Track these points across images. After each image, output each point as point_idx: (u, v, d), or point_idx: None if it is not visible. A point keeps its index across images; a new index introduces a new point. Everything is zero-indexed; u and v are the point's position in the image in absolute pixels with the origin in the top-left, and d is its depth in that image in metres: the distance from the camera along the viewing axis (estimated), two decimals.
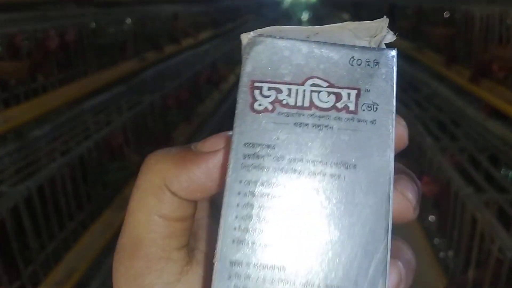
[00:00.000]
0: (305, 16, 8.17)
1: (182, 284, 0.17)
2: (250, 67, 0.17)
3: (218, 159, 0.17)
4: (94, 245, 1.31)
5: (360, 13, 3.57)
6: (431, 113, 1.51)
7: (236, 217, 0.15)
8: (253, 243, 0.15)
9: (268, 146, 0.16)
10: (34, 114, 1.55)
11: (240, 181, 0.16)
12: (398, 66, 0.17)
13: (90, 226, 1.38)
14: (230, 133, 0.17)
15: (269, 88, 0.17)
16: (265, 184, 0.16)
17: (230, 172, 0.16)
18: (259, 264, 0.15)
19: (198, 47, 3.32)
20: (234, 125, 0.16)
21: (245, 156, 0.16)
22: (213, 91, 2.93)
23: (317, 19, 7.41)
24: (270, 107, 0.16)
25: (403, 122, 0.17)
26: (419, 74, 1.87)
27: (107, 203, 1.48)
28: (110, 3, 2.53)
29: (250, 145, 0.16)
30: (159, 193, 0.17)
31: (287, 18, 7.57)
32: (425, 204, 1.21)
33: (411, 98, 1.68)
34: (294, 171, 0.16)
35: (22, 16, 1.72)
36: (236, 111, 0.16)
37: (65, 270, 1.20)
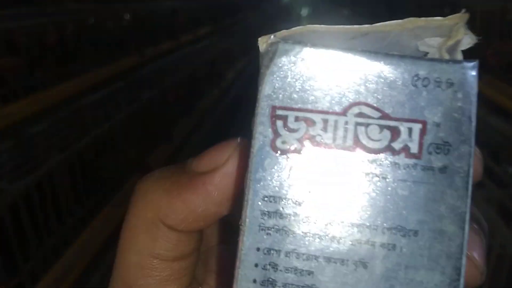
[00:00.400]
0: (304, 11, 8.15)
1: None
2: (270, 87, 0.12)
3: (219, 178, 0.14)
4: (94, 242, 1.31)
5: (359, 9, 3.56)
6: None
7: None
8: None
9: (296, 202, 0.12)
10: (32, 110, 1.55)
11: (258, 249, 0.12)
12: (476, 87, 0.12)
13: (89, 223, 1.38)
14: (230, 142, 0.14)
15: (297, 119, 0.12)
16: (291, 254, 0.12)
17: (244, 236, 0.12)
18: None
19: (197, 43, 3.31)
20: (249, 171, 0.12)
21: (264, 215, 0.12)
22: (213, 87, 2.92)
23: (317, 14, 7.39)
24: (298, 147, 0.12)
25: (478, 154, 0.13)
26: None
27: (106, 199, 1.47)
28: None
29: (271, 199, 0.12)
30: (152, 229, 0.14)
31: (288, 12, 7.54)
32: None
33: None
34: (332, 238, 0.12)
35: (19, 11, 1.71)
36: (252, 150, 0.12)
37: (64, 267, 1.20)
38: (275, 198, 0.12)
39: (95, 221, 1.41)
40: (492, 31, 1.38)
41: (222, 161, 0.14)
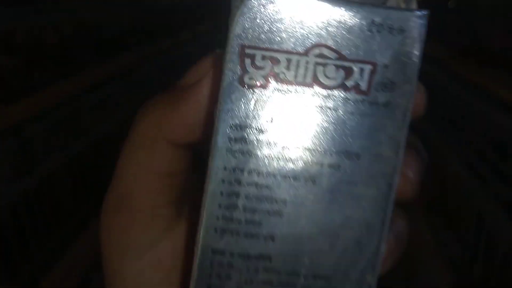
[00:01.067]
0: None
1: (167, 240, 0.17)
2: (240, 27, 0.13)
3: (205, 86, 0.15)
4: (94, 243, 1.30)
5: None
6: (437, 105, 1.50)
7: (220, 206, 0.14)
8: (237, 233, 0.14)
9: (259, 130, 0.14)
10: (31, 111, 1.54)
11: (225, 168, 0.14)
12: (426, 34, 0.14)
13: (89, 224, 1.38)
14: (209, 56, 0.15)
15: (264, 57, 0.14)
16: (253, 172, 0.14)
17: (213, 157, 0.14)
18: (244, 253, 0.14)
19: (196, 40, 3.29)
20: (219, 102, 0.14)
21: (231, 140, 0.14)
22: None
23: None
24: (263, 82, 0.14)
25: (422, 88, 0.15)
26: (424, 66, 1.85)
27: None
28: None
29: (238, 127, 0.14)
30: (152, 145, 0.16)
31: None
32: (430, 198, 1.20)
33: None
34: (288, 160, 0.14)
35: (16, 10, 1.70)
36: (222, 85, 0.14)
37: (65, 268, 1.20)
38: (241, 127, 0.14)
39: (96, 222, 1.40)
40: (498, 25, 1.36)
41: (206, 71, 0.15)
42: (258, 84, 0.14)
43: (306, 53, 0.14)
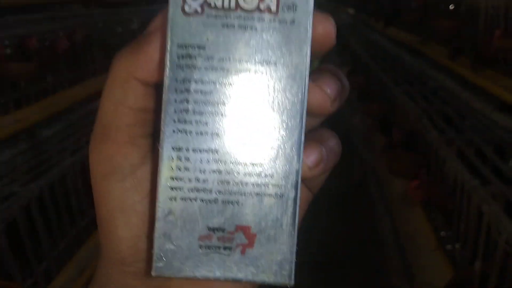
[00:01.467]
0: None
1: (145, 167, 0.20)
2: None
3: (163, 32, 0.18)
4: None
5: (366, 7, 3.56)
6: (437, 106, 1.51)
7: (175, 111, 0.18)
8: (190, 132, 0.18)
9: (199, 47, 0.18)
10: (44, 114, 1.58)
11: (176, 80, 0.18)
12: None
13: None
14: (162, 12, 0.19)
15: None
16: (198, 81, 0.18)
17: (167, 71, 0.18)
18: (196, 148, 0.18)
19: None
20: (167, 28, 0.18)
21: (179, 57, 0.18)
22: None
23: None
24: (199, 10, 0.18)
25: (331, 20, 0.18)
26: (425, 68, 1.86)
27: None
28: (117, 3, 2.56)
29: (183, 46, 0.18)
30: (124, 84, 0.19)
31: None
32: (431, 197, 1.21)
33: (417, 92, 1.68)
34: (223, 69, 0.18)
35: (30, 17, 1.75)
36: (168, 14, 0.18)
37: (77, 267, 1.23)
38: (185, 46, 0.18)
39: None
40: (496, 26, 1.38)
41: (161, 23, 0.18)
42: (196, 11, 0.18)
43: None
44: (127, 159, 0.19)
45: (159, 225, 0.18)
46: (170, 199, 0.18)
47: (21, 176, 1.24)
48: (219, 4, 0.18)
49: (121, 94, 0.19)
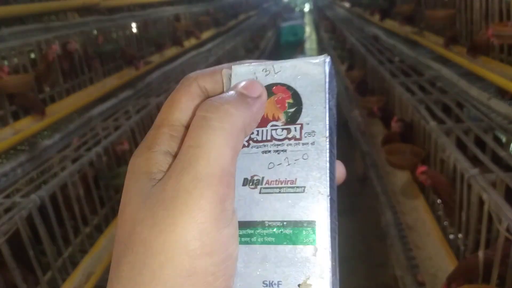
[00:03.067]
0: (306, 6, 8.08)
1: (236, 216, 0.22)
2: None
3: (264, 99, 0.24)
4: (110, 248, 1.34)
5: (361, 0, 3.55)
6: (435, 96, 1.51)
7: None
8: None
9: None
10: (43, 124, 1.59)
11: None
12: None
13: (104, 230, 1.41)
14: (226, 70, 0.25)
15: None
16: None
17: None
18: None
19: (201, 46, 3.33)
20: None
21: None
22: None
23: (318, 9, 7.33)
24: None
25: (341, 162, 0.25)
26: (422, 58, 1.86)
27: None
28: (112, 9, 2.56)
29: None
30: (239, 135, 0.22)
31: (289, 10, 7.51)
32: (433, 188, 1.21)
33: (414, 82, 1.67)
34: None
35: (25, 28, 1.75)
36: None
37: (83, 274, 1.23)
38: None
39: (111, 228, 1.44)
40: (491, 14, 1.37)
41: (262, 90, 0.24)
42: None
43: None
44: (233, 204, 0.21)
45: None
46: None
47: (22, 187, 1.25)
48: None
49: (236, 142, 0.22)
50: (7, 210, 1.09)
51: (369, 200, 1.88)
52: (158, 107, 1.92)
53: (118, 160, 1.56)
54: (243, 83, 0.24)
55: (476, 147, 1.12)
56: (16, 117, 1.54)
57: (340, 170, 0.25)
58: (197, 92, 0.24)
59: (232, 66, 0.25)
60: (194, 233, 0.19)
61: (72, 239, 1.26)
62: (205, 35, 3.62)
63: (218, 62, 3.13)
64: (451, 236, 1.18)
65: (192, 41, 3.26)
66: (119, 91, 2.08)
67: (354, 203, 2.05)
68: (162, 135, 0.23)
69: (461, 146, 1.16)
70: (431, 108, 1.39)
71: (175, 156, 0.22)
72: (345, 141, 2.47)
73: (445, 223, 1.22)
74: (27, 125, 1.52)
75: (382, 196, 1.49)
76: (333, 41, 3.86)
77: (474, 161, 1.08)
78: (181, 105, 0.24)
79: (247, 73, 0.25)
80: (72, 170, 1.28)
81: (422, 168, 1.16)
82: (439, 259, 1.10)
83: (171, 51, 2.85)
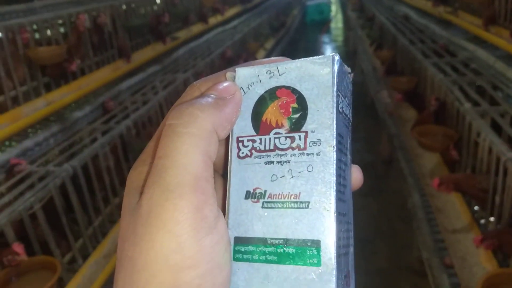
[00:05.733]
0: None
1: (221, 221, 0.21)
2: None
3: (237, 99, 0.23)
4: None
5: None
6: (469, 77, 1.47)
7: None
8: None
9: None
10: (74, 97, 1.61)
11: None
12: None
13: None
14: (230, 73, 0.24)
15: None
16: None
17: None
18: None
19: (227, 23, 3.31)
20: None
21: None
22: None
23: None
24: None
25: (358, 167, 0.24)
26: (455, 38, 1.80)
27: None
28: None
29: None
30: (210, 137, 0.21)
31: None
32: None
33: (448, 63, 1.63)
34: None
35: (54, 1, 1.77)
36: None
37: (112, 243, 1.26)
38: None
39: None
40: None
41: (235, 90, 0.23)
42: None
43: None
44: (213, 212, 0.20)
45: None
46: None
47: (55, 157, 1.28)
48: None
49: (207, 146, 0.20)
50: (41, 178, 1.12)
51: (395, 182, 1.86)
52: (185, 84, 1.92)
53: (149, 135, 1.58)
54: (217, 85, 0.23)
55: None
56: (48, 88, 1.56)
57: (357, 175, 0.23)
58: None
59: (236, 69, 0.24)
60: (172, 247, 0.19)
61: (102, 209, 1.29)
62: (231, 12, 3.59)
63: (243, 39, 3.10)
64: (482, 221, 1.16)
65: (218, 18, 3.24)
66: (147, 66, 2.09)
67: (379, 185, 2.03)
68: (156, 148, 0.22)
69: (496, 129, 1.13)
70: (465, 90, 1.35)
71: None
72: (372, 122, 2.44)
73: (476, 207, 1.20)
74: (59, 97, 1.55)
75: (410, 178, 1.47)
76: (361, 20, 3.78)
77: (510, 144, 1.05)
78: None
79: (250, 75, 0.23)
80: (103, 141, 1.30)
81: (436, 181, 1.12)
82: (468, 243, 1.09)
83: (197, 28, 2.84)
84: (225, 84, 0.23)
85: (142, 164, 0.22)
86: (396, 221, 1.79)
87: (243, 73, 0.24)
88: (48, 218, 1.05)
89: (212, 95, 0.22)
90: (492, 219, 1.09)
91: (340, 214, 0.21)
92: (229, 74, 0.24)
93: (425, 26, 2.20)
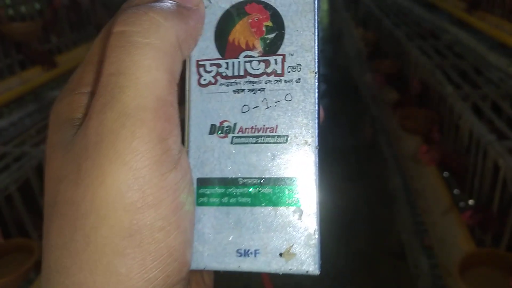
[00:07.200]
0: None
1: (184, 155, 0.18)
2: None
3: (201, 11, 0.19)
4: None
5: None
6: (452, 60, 1.47)
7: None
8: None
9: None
10: (50, 75, 1.56)
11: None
12: None
13: None
14: None
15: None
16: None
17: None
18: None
19: None
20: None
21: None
22: None
23: None
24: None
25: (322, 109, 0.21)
26: (439, 21, 1.80)
27: None
28: None
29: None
30: (175, 53, 0.17)
31: None
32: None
33: (431, 46, 1.63)
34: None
35: None
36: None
37: None
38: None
39: None
40: None
41: (198, 2, 0.19)
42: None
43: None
44: (177, 144, 0.17)
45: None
46: None
47: (32, 137, 1.24)
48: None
49: (171, 63, 0.17)
50: (17, 159, 1.09)
51: (376, 166, 1.88)
52: None
53: None
54: None
55: (493, 113, 1.10)
56: (23, 66, 1.51)
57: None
58: None
59: None
60: (130, 182, 0.15)
61: None
62: None
63: None
64: (461, 204, 1.18)
65: None
66: None
67: (360, 169, 2.05)
68: (89, 73, 0.19)
69: (477, 113, 1.14)
70: (448, 73, 1.36)
71: None
72: (355, 107, 2.44)
73: (455, 191, 1.22)
74: (34, 75, 1.50)
75: (391, 161, 1.48)
76: (346, 2, 3.76)
77: (491, 128, 1.06)
78: None
79: None
80: None
81: (423, 148, 1.12)
82: (447, 225, 1.11)
83: None
84: None
85: (70, 93, 0.18)
86: (377, 204, 1.81)
87: None
88: (24, 200, 1.03)
89: (172, 1, 0.18)
90: (471, 201, 1.11)
91: (317, 147, 0.19)
92: None
93: (409, 9, 2.19)
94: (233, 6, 0.19)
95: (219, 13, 0.19)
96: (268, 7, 0.19)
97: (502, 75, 1.29)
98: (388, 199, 1.50)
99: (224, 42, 0.19)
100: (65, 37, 1.72)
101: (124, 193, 0.15)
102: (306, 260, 0.18)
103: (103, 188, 0.15)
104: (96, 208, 0.15)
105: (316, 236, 0.18)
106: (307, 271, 0.18)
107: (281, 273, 0.18)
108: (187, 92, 0.20)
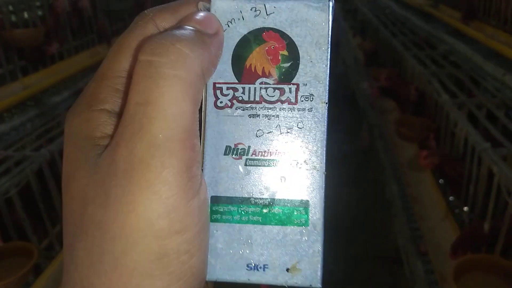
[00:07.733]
0: None
1: (203, 179, 0.19)
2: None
3: (222, 37, 0.20)
4: None
5: None
6: (448, 69, 1.49)
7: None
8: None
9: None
10: (52, 81, 1.58)
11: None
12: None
13: None
14: (203, 3, 0.20)
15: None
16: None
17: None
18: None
19: None
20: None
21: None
22: None
23: None
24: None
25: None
26: (435, 31, 1.83)
27: None
28: None
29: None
30: (199, 83, 0.18)
31: None
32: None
33: (428, 55, 1.66)
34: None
35: None
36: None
37: None
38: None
39: None
40: None
41: (218, 27, 0.19)
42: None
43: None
44: (199, 170, 0.18)
45: None
46: None
47: (33, 142, 1.25)
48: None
49: (196, 94, 0.17)
50: (17, 163, 1.10)
51: (373, 172, 1.89)
52: None
53: None
54: (196, 16, 0.19)
55: (488, 121, 1.12)
56: (25, 72, 1.53)
57: None
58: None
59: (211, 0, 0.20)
60: (160, 211, 0.16)
61: None
62: None
63: None
64: (457, 211, 1.19)
65: None
66: None
67: (357, 175, 2.06)
68: (106, 88, 0.19)
69: (473, 121, 1.16)
70: (444, 82, 1.38)
71: (120, 116, 0.17)
72: (352, 113, 2.46)
73: (451, 198, 1.23)
74: (36, 81, 1.52)
75: (388, 168, 1.50)
76: (344, 11, 3.79)
77: (486, 135, 1.08)
78: (131, 52, 0.19)
79: (230, 10, 0.20)
80: None
81: (423, 153, 1.14)
82: (442, 231, 1.12)
83: None
84: (205, 15, 0.19)
85: (86, 109, 0.18)
86: (374, 210, 1.82)
87: (222, 5, 0.20)
88: (24, 204, 1.04)
89: (192, 28, 0.18)
90: (466, 208, 1.12)
91: (325, 173, 0.20)
92: (202, 4, 0.20)
93: (406, 18, 2.22)
94: (250, 32, 0.20)
95: (236, 38, 0.20)
96: (284, 36, 0.20)
97: (497, 84, 1.31)
98: (384, 205, 1.51)
99: (241, 67, 0.20)
100: (67, 43, 1.74)
101: (154, 220, 0.16)
102: (310, 275, 0.20)
103: (134, 215, 0.16)
104: (126, 234, 0.16)
105: (320, 254, 0.20)
106: (310, 285, 0.20)
107: (287, 286, 0.20)
108: (203, 113, 0.20)
